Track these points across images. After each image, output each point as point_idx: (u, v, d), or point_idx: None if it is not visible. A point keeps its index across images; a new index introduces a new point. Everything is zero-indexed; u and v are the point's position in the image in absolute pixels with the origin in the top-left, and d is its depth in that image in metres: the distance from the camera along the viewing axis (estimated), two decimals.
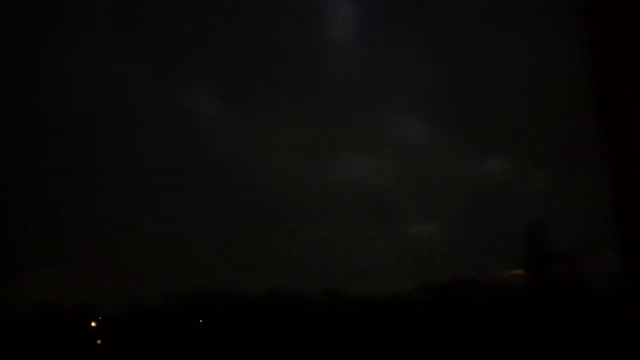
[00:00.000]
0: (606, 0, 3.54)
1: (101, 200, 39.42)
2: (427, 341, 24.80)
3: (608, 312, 21.76)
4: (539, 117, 34.44)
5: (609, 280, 21.94)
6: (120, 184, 40.13)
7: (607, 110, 3.53)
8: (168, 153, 42.59)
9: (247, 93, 42.70)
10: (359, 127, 42.45)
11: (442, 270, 30.64)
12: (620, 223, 3.41)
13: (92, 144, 41.64)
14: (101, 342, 30.07)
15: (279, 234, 37.26)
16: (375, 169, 43.46)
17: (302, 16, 46.33)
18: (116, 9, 41.21)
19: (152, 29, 43.37)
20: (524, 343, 22.70)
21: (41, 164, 38.93)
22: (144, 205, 38.92)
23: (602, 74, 3.55)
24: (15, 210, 35.55)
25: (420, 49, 41.76)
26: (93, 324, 30.83)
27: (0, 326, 28.02)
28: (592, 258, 25.39)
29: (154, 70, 45.43)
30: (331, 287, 31.83)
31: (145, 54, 44.93)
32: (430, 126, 43.09)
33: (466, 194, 36.92)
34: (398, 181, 40.96)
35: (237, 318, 29.75)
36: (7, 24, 38.22)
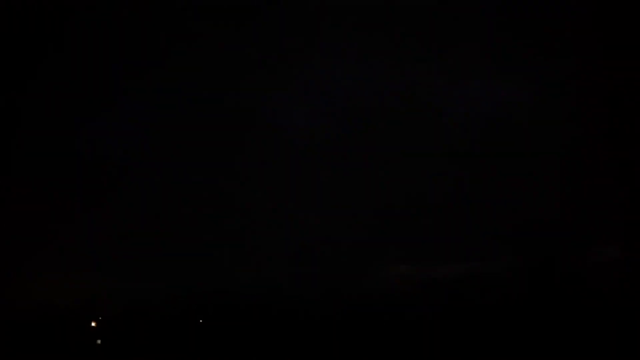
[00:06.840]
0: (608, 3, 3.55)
1: (101, 199, 39.42)
2: (426, 340, 24.82)
3: (608, 309, 21.79)
4: (539, 116, 34.51)
5: (609, 277, 21.96)
6: (119, 183, 40.13)
7: (609, 110, 3.53)
8: (167, 154, 42.54)
9: None
10: None
11: (440, 268, 30.66)
12: (620, 220, 3.41)
13: (89, 143, 41.58)
14: (101, 342, 30.08)
15: (279, 233, 37.27)
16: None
17: None
18: None
19: None
20: (523, 340, 22.74)
21: (41, 163, 38.93)
22: (143, 205, 38.92)
23: (603, 74, 3.56)
24: (15, 209, 35.55)
25: None
26: (93, 324, 30.82)
27: (1, 326, 28.03)
28: (592, 255, 25.42)
29: None
30: (330, 287, 31.82)
31: None
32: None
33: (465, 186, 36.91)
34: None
35: (237, 318, 29.76)
36: None
